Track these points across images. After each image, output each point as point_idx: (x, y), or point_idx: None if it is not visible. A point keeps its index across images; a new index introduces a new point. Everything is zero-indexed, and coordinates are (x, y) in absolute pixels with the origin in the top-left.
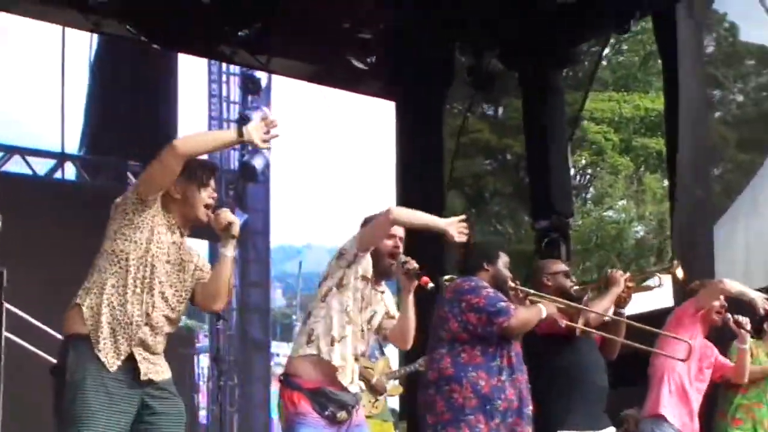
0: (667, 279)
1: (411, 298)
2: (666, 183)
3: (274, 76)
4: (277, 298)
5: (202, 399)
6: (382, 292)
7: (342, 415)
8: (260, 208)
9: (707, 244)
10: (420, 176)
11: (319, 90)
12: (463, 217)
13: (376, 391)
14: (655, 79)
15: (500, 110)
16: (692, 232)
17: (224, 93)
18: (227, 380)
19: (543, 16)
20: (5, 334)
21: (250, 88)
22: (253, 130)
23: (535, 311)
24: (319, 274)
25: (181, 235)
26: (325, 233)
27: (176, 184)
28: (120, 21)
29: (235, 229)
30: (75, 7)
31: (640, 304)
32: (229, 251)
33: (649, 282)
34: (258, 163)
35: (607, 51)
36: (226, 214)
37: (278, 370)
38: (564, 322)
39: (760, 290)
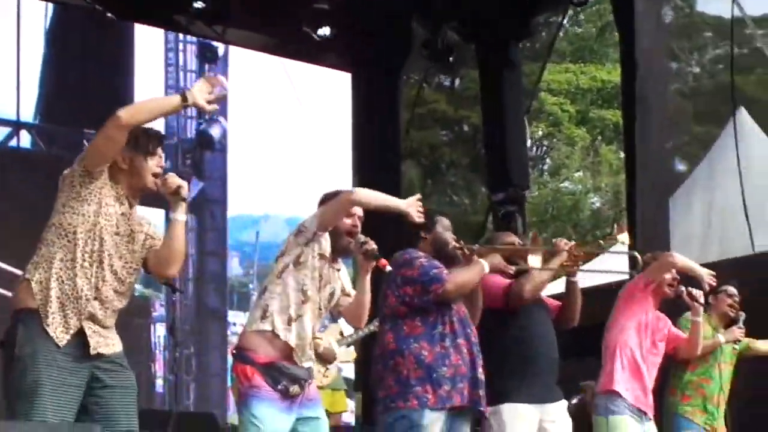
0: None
1: (368, 278)
2: (622, 155)
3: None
4: (234, 267)
5: (159, 368)
6: (338, 270)
7: (295, 389)
8: (217, 176)
9: (663, 216)
10: (376, 147)
11: (277, 60)
12: (418, 196)
13: (324, 360)
14: (612, 51)
15: (457, 81)
16: (648, 204)
17: (181, 62)
18: (183, 349)
19: None
20: None
21: (208, 56)
22: (197, 92)
23: (475, 269)
24: (276, 244)
25: (130, 206)
26: (283, 203)
27: (123, 154)
28: None
29: (184, 193)
30: None
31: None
32: (180, 215)
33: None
34: (215, 131)
35: (564, 22)
36: (174, 179)
37: (235, 339)
38: (512, 269)
39: (715, 263)
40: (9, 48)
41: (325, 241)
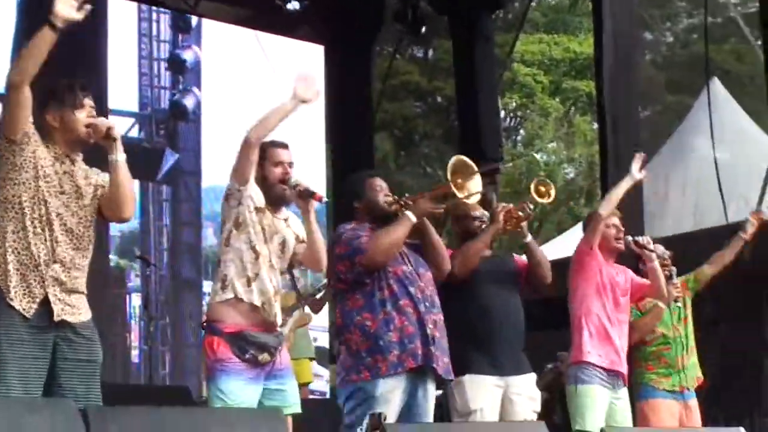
0: None
1: (312, 218)
2: (596, 125)
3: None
4: (209, 237)
5: (134, 338)
6: (286, 219)
7: (264, 357)
8: (191, 147)
9: (637, 187)
10: (349, 119)
11: (250, 31)
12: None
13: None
14: (584, 20)
15: (430, 52)
16: (621, 175)
17: (154, 32)
18: (159, 321)
19: None
20: None
21: (181, 26)
22: (61, 8)
23: (400, 223)
24: None
25: (72, 162)
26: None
27: (52, 113)
28: None
29: (115, 133)
30: None
31: None
32: (118, 156)
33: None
34: (189, 102)
35: None
36: (102, 122)
37: None
38: (441, 208)
39: (689, 234)
40: None
41: (257, 194)
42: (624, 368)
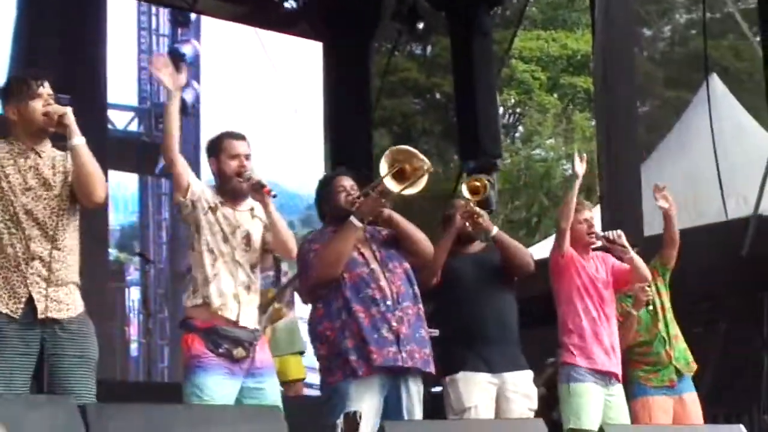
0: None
1: (272, 209)
2: (594, 122)
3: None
4: None
5: (133, 332)
6: (252, 209)
7: (239, 351)
8: (190, 141)
9: (634, 183)
10: (348, 115)
11: (249, 27)
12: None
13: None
14: (583, 17)
15: (429, 49)
16: (620, 171)
17: (153, 26)
18: (158, 314)
19: None
20: None
21: (180, 21)
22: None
23: (346, 230)
24: None
25: (38, 155)
26: (255, 168)
27: (10, 107)
28: None
29: (68, 119)
30: None
31: None
32: (74, 141)
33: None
34: (188, 96)
35: None
36: (54, 108)
37: None
38: (383, 202)
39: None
40: None
41: (205, 194)
42: (616, 366)
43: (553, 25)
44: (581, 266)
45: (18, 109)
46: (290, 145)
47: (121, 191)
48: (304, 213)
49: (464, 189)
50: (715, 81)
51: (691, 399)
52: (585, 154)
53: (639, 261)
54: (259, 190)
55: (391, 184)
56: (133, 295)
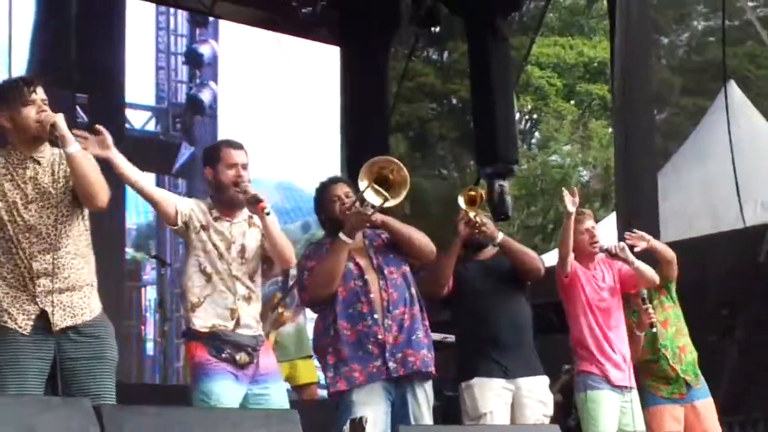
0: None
1: (267, 222)
2: (611, 129)
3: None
4: None
5: (149, 331)
6: (250, 217)
7: (242, 357)
8: (208, 141)
9: (651, 191)
10: (365, 120)
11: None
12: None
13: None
14: (600, 24)
15: (446, 54)
16: (636, 178)
17: (172, 26)
18: (173, 314)
19: None
20: None
21: (198, 21)
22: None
23: (336, 248)
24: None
25: (37, 162)
26: (272, 168)
27: (2, 115)
28: None
29: (60, 127)
30: None
31: None
32: (69, 149)
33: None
34: (206, 96)
35: None
36: (46, 116)
37: None
38: (369, 213)
39: (705, 237)
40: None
41: (194, 213)
42: (629, 378)
43: (570, 31)
44: (586, 280)
45: (11, 116)
46: (307, 148)
47: None
48: None
49: (461, 200)
50: (733, 88)
51: (704, 405)
52: (576, 189)
53: (644, 268)
54: (254, 204)
55: (371, 196)
56: (150, 294)
